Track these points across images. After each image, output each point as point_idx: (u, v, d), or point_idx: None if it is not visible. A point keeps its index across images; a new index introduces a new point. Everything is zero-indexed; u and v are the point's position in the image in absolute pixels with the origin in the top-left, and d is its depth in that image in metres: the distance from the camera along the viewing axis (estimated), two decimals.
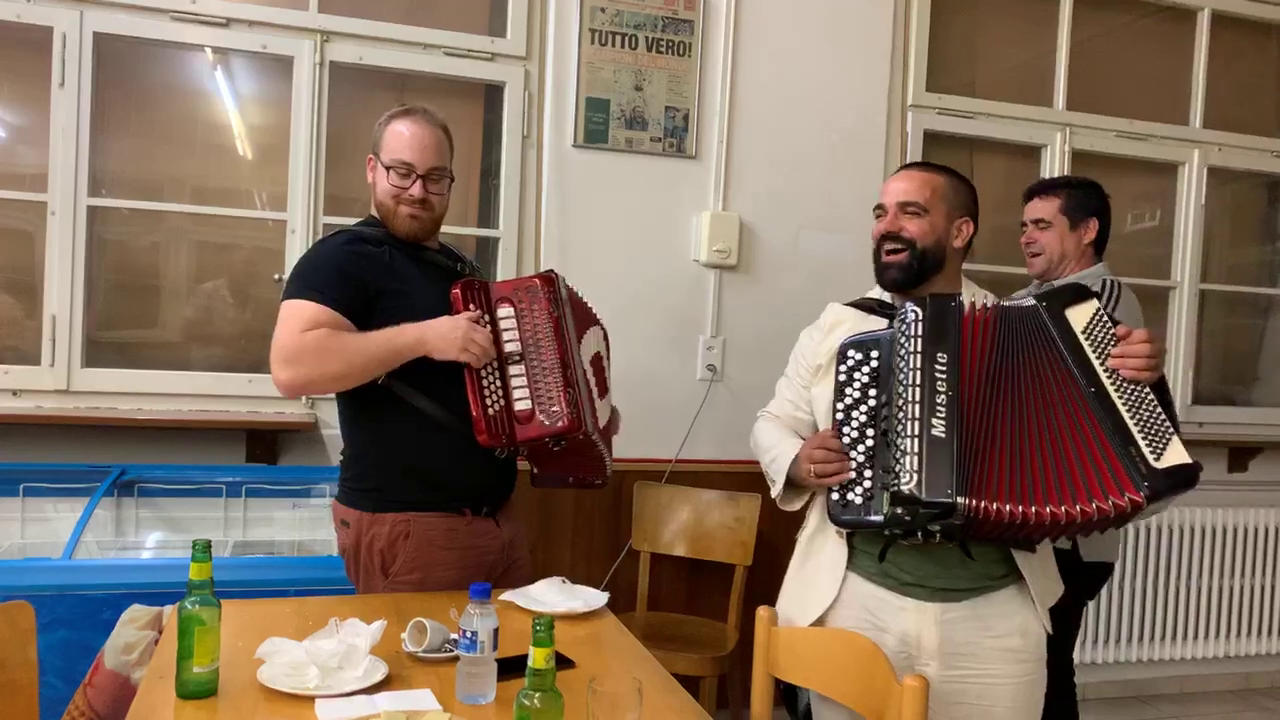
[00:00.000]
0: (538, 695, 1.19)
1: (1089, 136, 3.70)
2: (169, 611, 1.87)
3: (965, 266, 1.90)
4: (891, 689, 1.48)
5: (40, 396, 2.81)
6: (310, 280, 1.92)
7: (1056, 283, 2.64)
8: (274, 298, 2.99)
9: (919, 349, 1.64)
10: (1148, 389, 1.60)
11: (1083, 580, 2.53)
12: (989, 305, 1.70)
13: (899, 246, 1.80)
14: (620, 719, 1.20)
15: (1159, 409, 1.58)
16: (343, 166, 3.03)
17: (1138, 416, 1.57)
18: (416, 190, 2.00)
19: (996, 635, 1.72)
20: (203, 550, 1.44)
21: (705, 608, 3.14)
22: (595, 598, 1.95)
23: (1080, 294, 1.69)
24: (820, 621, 1.79)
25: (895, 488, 1.59)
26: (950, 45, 3.58)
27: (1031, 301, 1.69)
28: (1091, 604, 3.58)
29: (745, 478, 3.18)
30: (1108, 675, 3.74)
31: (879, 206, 1.87)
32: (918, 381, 1.62)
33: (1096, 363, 1.62)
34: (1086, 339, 1.64)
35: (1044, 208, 2.61)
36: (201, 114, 3.03)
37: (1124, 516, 1.56)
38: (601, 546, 3.17)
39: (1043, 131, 3.66)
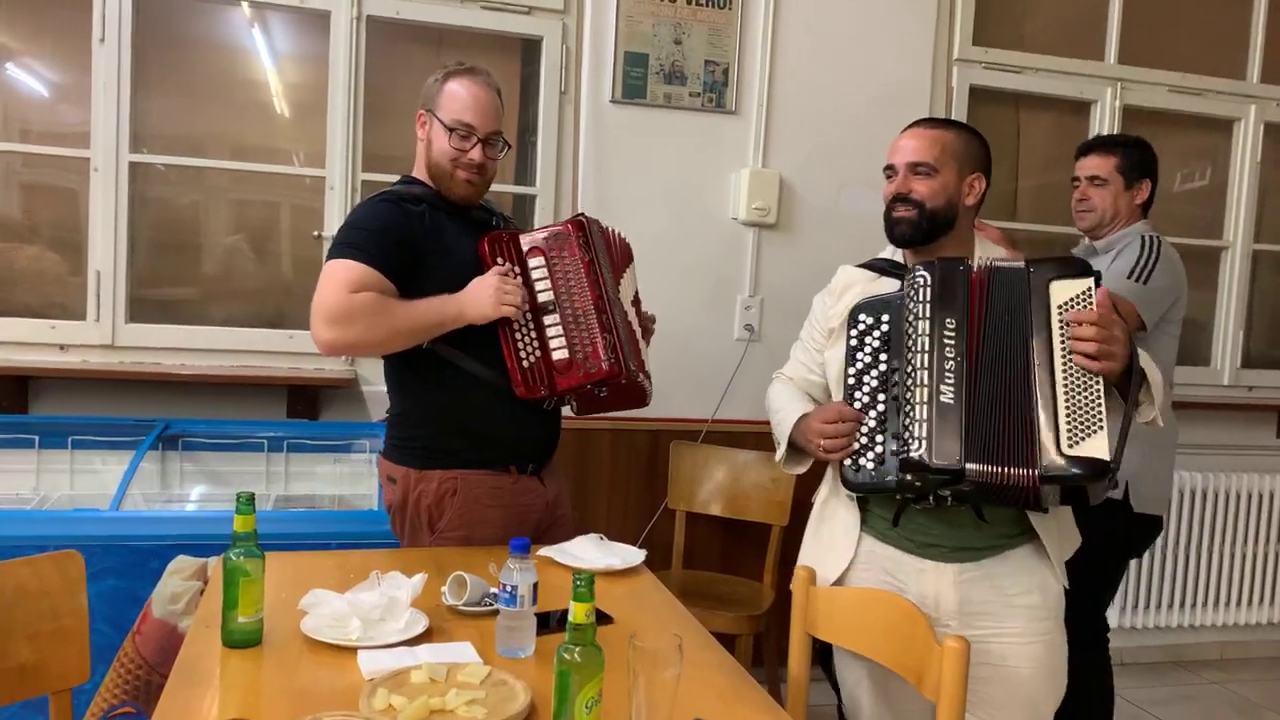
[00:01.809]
0: (578, 650, 1.19)
1: (1141, 91, 3.59)
2: (214, 562, 1.90)
3: (1006, 224, 1.87)
4: (931, 650, 1.47)
5: (86, 351, 2.85)
6: (355, 240, 1.91)
7: (1099, 243, 2.61)
8: (313, 255, 3.00)
9: (927, 314, 1.64)
10: (1098, 380, 1.56)
11: (1132, 532, 2.50)
12: (985, 265, 1.67)
13: (908, 206, 1.78)
14: (661, 674, 1.21)
15: (1100, 400, 1.54)
16: (380, 123, 3.02)
17: (1073, 401, 1.55)
18: (476, 154, 1.99)
19: (1014, 593, 1.71)
20: (246, 502, 1.46)
21: (741, 567, 3.15)
22: (632, 555, 1.96)
23: (1078, 270, 1.63)
24: (839, 582, 1.81)
25: (905, 454, 1.61)
26: None
27: (1021, 265, 1.66)
28: (1133, 567, 3.55)
29: None
30: (1147, 640, 3.71)
31: (889, 167, 1.85)
32: (926, 348, 1.63)
33: (1058, 340, 1.59)
34: (1060, 314, 1.60)
35: (1100, 164, 2.57)
36: (240, 71, 3.03)
37: (1023, 491, 1.57)
38: (637, 505, 3.18)
39: (1093, 86, 3.55)
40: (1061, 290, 1.61)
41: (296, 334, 2.94)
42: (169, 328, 2.92)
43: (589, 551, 1.95)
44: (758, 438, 3.16)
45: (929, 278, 1.67)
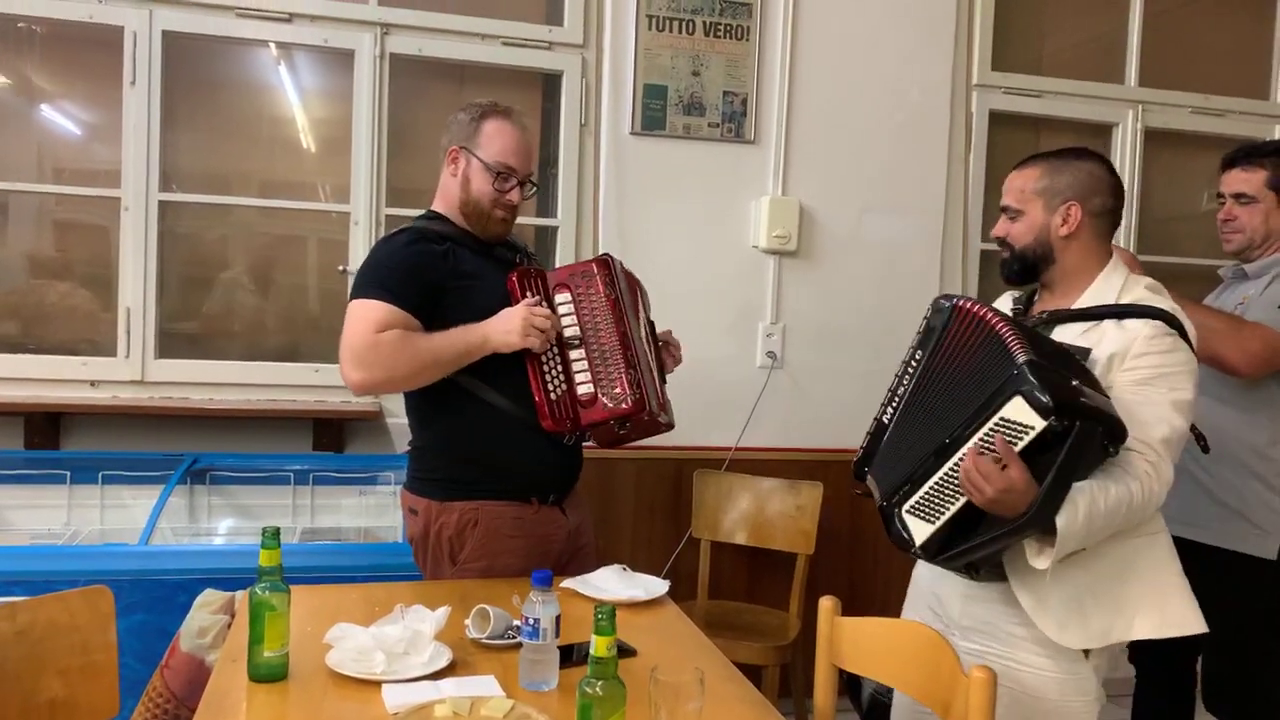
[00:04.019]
0: (600, 684, 1.19)
1: (1163, 114, 3.57)
2: (241, 596, 1.91)
3: None
4: (958, 680, 1.45)
5: (116, 387, 2.89)
6: (379, 280, 1.94)
7: (1249, 266, 2.35)
8: (339, 289, 3.04)
9: (914, 344, 1.77)
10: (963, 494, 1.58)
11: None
12: (978, 312, 1.65)
13: (1004, 248, 1.87)
14: (683, 708, 1.20)
15: (952, 506, 1.61)
16: (404, 158, 3.06)
17: (939, 486, 1.64)
18: (516, 196, 2.05)
19: (1013, 623, 1.70)
20: (272, 537, 1.47)
21: (766, 596, 3.13)
22: (656, 586, 1.95)
23: (1046, 406, 1.47)
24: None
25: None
26: (1016, 21, 3.48)
27: (1022, 360, 1.51)
28: None
29: (806, 465, 3.15)
30: None
31: None
32: (898, 372, 1.78)
33: (974, 441, 1.57)
34: (992, 427, 1.54)
35: (1247, 180, 2.31)
36: (266, 109, 3.09)
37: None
38: (661, 534, 3.17)
39: (1114, 109, 3.55)
40: (1016, 410, 1.52)
41: (322, 368, 2.98)
42: (197, 363, 2.96)
43: (612, 583, 1.95)
44: (782, 465, 3.15)
45: (930, 311, 1.77)
